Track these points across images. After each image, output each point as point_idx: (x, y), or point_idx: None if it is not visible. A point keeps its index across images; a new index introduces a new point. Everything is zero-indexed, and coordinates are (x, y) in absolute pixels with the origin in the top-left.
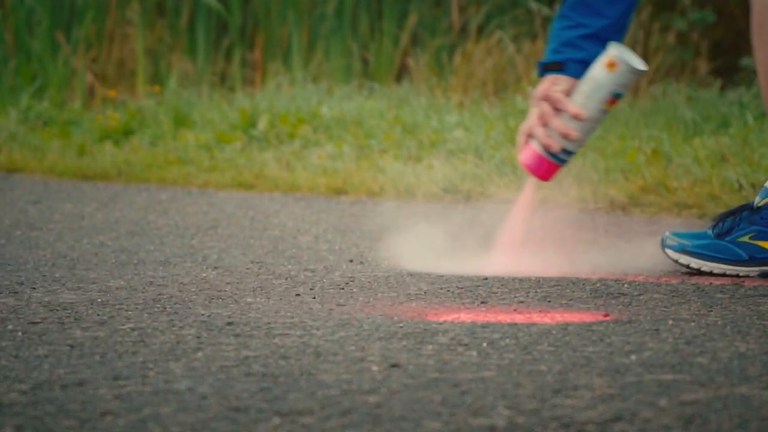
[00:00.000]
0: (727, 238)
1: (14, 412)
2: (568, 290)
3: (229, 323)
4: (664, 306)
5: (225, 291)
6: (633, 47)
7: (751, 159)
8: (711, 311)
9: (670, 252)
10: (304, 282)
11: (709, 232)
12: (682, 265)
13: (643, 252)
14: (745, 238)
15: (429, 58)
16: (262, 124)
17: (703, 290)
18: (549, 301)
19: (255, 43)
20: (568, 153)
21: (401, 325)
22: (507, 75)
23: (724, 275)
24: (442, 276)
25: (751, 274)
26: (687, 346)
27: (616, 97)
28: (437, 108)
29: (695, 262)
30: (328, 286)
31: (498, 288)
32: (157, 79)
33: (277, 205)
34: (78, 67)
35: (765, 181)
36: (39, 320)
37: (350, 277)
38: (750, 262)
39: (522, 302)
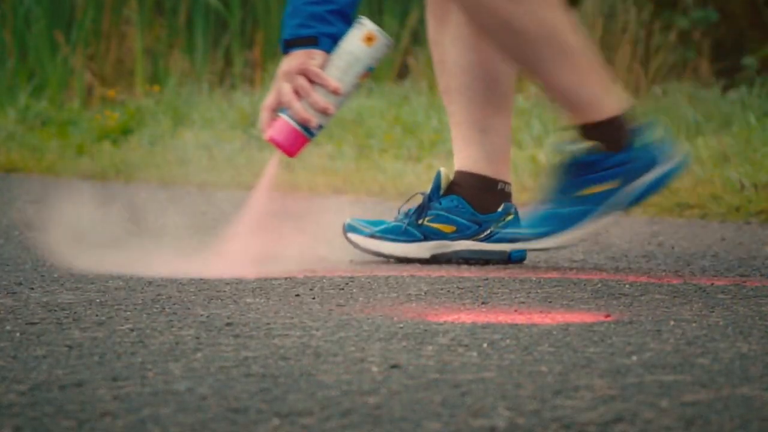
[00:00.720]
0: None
1: (13, 413)
2: (569, 291)
3: (229, 324)
4: (666, 306)
5: (224, 291)
6: (634, 46)
7: (753, 159)
8: (712, 312)
9: (352, 236)
10: (303, 282)
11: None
12: (362, 249)
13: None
14: (425, 221)
15: (430, 57)
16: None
17: (704, 291)
18: (550, 302)
19: (254, 42)
20: (321, 127)
21: (401, 325)
22: None
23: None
24: (442, 276)
25: (422, 255)
26: (688, 347)
27: (369, 71)
28: (438, 107)
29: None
30: (328, 287)
31: (498, 288)
32: (155, 78)
33: (276, 205)
34: (76, 66)
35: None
36: (37, 321)
37: (350, 278)
38: (425, 240)
39: (522, 303)
